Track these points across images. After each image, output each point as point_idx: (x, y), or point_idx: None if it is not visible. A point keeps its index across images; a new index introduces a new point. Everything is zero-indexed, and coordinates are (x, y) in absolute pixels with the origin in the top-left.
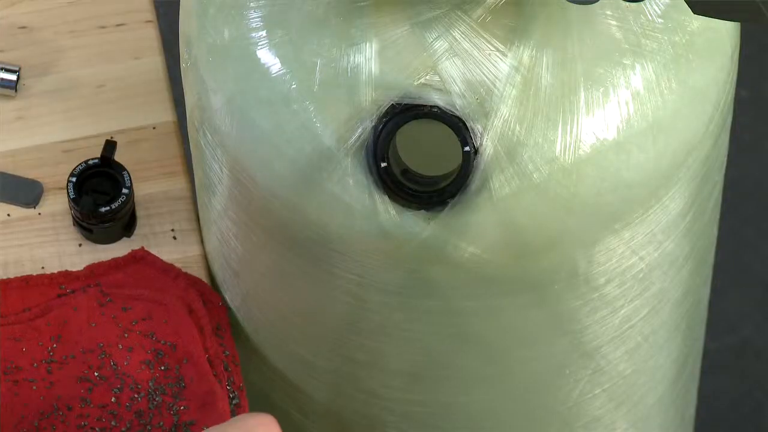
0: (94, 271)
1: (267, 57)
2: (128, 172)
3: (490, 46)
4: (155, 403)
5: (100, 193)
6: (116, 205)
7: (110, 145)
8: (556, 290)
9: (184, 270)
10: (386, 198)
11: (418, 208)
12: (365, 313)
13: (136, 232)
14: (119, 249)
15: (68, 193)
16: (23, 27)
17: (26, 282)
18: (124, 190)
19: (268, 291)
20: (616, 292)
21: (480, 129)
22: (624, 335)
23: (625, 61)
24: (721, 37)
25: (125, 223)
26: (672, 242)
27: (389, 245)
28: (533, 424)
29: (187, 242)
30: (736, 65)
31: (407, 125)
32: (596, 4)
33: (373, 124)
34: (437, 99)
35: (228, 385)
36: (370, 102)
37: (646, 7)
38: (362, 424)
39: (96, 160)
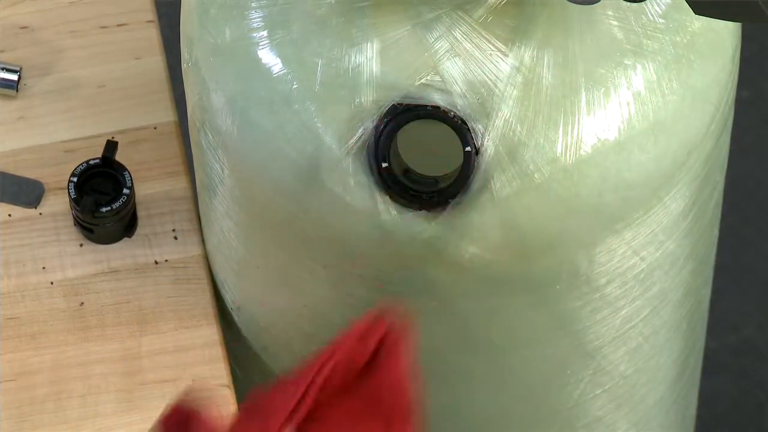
0: None
1: (268, 57)
2: (129, 173)
3: (491, 46)
4: None
5: (101, 193)
6: (117, 205)
7: (111, 145)
8: (558, 290)
9: (183, 269)
10: (387, 198)
11: (420, 209)
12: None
13: (137, 232)
14: (120, 249)
15: (69, 193)
16: (24, 27)
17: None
18: (125, 191)
19: (270, 291)
20: (617, 293)
21: (481, 129)
22: (625, 335)
23: (626, 62)
24: (722, 37)
25: (126, 224)
26: (673, 242)
27: (390, 245)
28: (534, 424)
29: (188, 242)
30: (737, 65)
31: (408, 125)
32: (597, 4)
33: (375, 124)
34: (438, 99)
35: None
36: (372, 102)
37: (648, 8)
38: None
39: (97, 160)
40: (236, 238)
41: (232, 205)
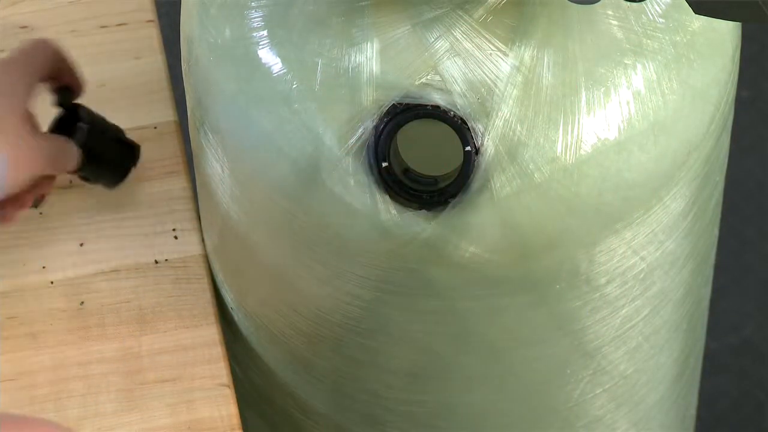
0: None
1: (268, 57)
2: (85, 108)
3: (491, 45)
4: None
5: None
6: (78, 137)
7: (64, 92)
8: (557, 290)
9: (183, 268)
10: (387, 198)
11: (419, 208)
12: (366, 313)
13: (136, 232)
14: (120, 249)
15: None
16: (24, 26)
17: None
18: (80, 124)
19: (269, 291)
20: (617, 292)
21: (481, 129)
22: (625, 335)
23: (626, 61)
24: (722, 37)
25: (117, 155)
26: (673, 242)
27: (390, 245)
28: (534, 424)
29: (188, 242)
30: (737, 65)
31: (408, 125)
32: (597, 3)
33: (374, 123)
34: (438, 99)
35: None
36: (372, 102)
37: (648, 7)
38: (363, 424)
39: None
40: (236, 237)
41: (232, 205)
